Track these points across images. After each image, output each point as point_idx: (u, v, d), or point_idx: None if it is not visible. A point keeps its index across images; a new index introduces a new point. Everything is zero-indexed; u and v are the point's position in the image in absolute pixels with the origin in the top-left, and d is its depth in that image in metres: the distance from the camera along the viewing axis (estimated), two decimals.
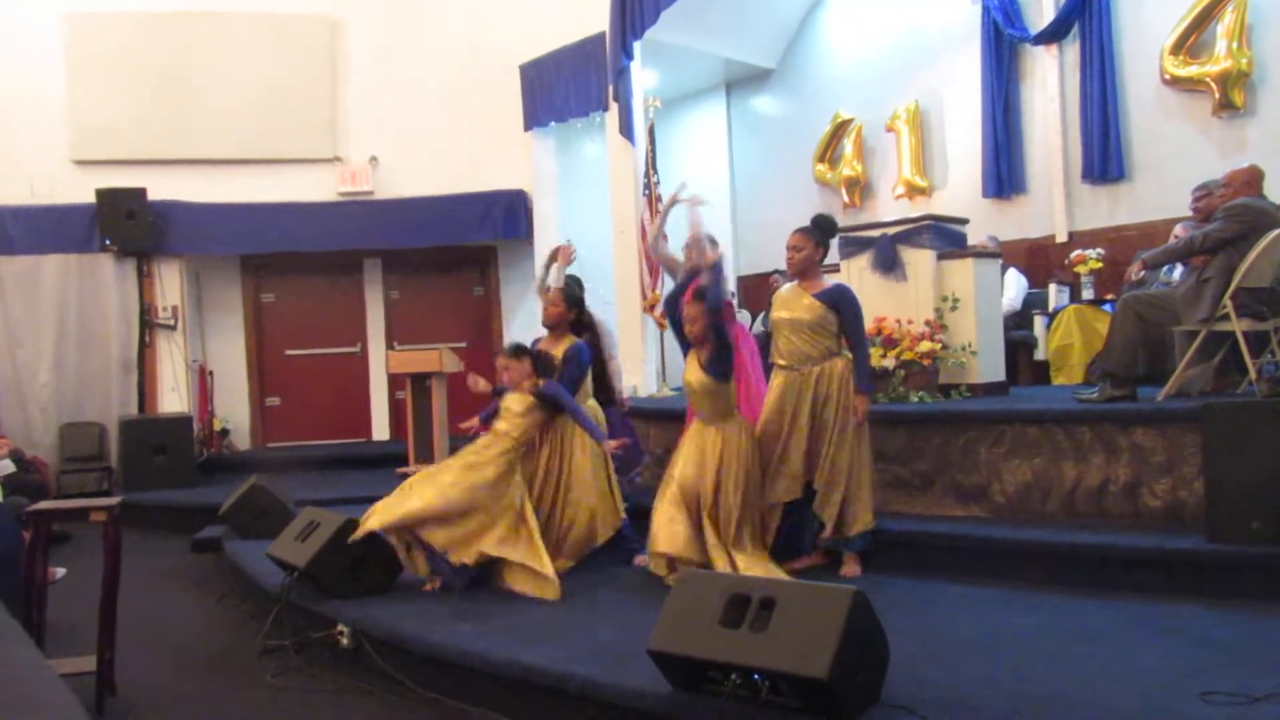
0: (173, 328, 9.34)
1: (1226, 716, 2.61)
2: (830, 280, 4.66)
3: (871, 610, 2.76)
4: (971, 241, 6.41)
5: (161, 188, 9.11)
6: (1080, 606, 3.76)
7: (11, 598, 3.65)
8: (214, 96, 9.35)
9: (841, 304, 4.48)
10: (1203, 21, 6.83)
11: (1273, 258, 4.60)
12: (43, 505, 3.98)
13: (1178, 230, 6.04)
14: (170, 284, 9.38)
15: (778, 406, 4.51)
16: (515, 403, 4.62)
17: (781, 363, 4.56)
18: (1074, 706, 2.75)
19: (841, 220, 8.48)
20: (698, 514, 4.38)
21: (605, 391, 5.54)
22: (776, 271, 8.68)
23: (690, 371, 4.48)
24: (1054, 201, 7.76)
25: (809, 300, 4.49)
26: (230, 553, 5.75)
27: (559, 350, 5.00)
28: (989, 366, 5.82)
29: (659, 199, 7.92)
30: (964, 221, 6.32)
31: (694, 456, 4.43)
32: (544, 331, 5.24)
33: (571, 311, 5.16)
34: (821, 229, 4.60)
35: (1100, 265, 7.11)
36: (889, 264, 5.91)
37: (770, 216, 9.85)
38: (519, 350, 4.76)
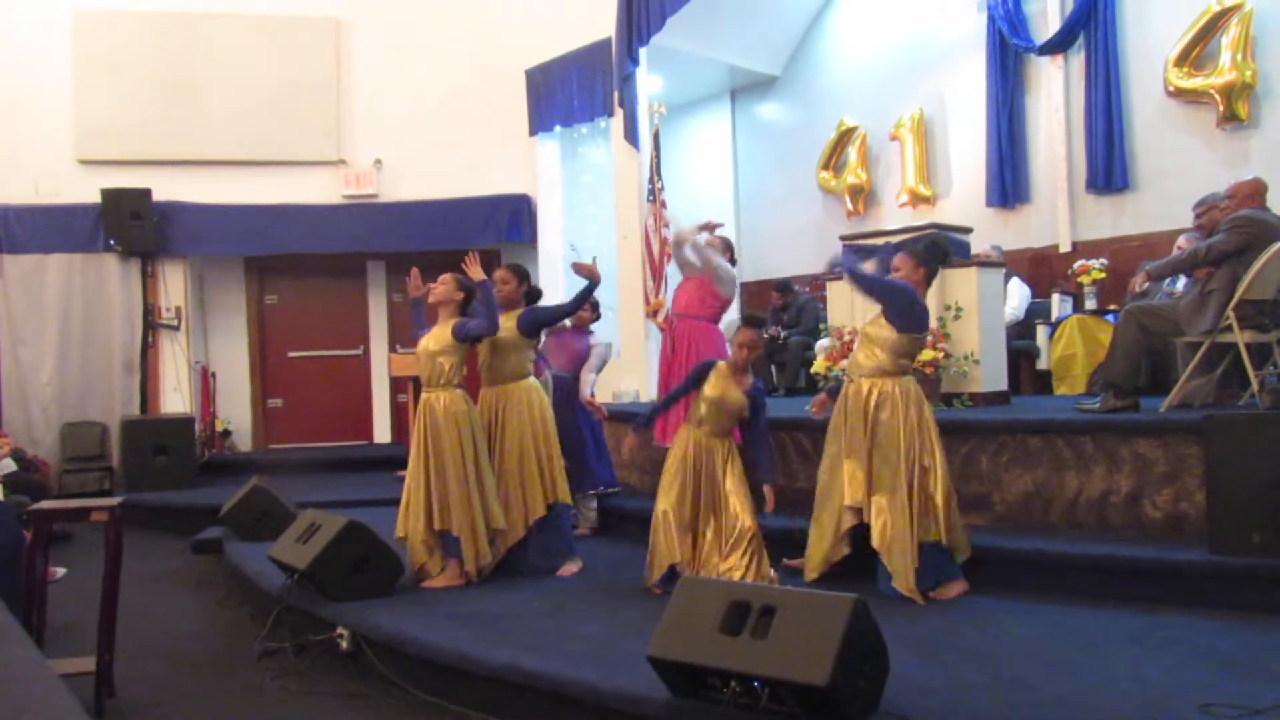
0: (176, 328, 9.35)
1: None
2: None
3: (872, 618, 2.75)
4: (975, 251, 6.41)
5: (166, 188, 9.14)
6: (1081, 617, 3.75)
7: (12, 597, 3.66)
8: (220, 98, 9.38)
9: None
10: (1207, 34, 6.84)
11: (1276, 270, 4.60)
12: (44, 505, 3.98)
13: (1181, 242, 6.04)
14: (174, 285, 9.40)
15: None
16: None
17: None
18: (1073, 716, 2.74)
19: (845, 228, 8.53)
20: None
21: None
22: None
23: (730, 391, 4.44)
24: (1058, 211, 7.76)
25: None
26: (231, 554, 5.75)
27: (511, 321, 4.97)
28: (991, 376, 5.82)
29: (663, 205, 7.93)
30: (968, 230, 6.33)
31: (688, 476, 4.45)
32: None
33: (523, 285, 5.15)
34: (931, 254, 4.41)
35: (1103, 275, 7.12)
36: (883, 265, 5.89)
37: (774, 223, 9.87)
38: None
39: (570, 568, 4.96)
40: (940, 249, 4.50)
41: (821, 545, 4.36)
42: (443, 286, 5.00)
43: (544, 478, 4.90)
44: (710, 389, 4.46)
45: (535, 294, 5.25)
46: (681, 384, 4.67)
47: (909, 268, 4.31)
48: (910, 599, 4.02)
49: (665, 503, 4.44)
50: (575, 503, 5.48)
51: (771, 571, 4.37)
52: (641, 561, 4.58)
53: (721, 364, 4.54)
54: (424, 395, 4.85)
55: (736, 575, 4.23)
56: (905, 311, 4.22)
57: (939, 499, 4.10)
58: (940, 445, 4.20)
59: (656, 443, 5.61)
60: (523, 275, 5.19)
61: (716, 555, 4.35)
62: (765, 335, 4.60)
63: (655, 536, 4.43)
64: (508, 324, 4.95)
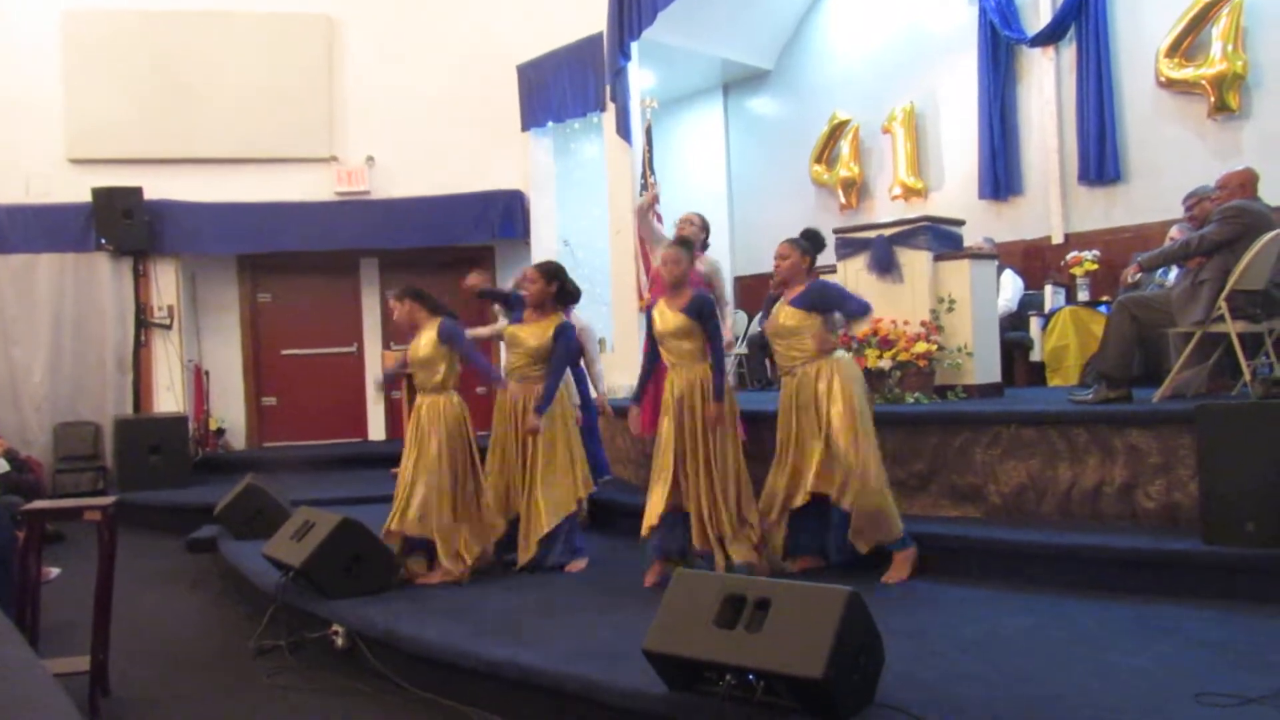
0: (168, 327, 9.33)
1: (1222, 718, 2.61)
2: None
3: (866, 611, 2.76)
4: (968, 243, 6.41)
5: (158, 187, 9.10)
6: (1075, 608, 3.76)
7: (5, 597, 3.65)
8: (211, 96, 9.34)
9: (817, 302, 4.46)
10: (1198, 24, 6.85)
11: (1268, 260, 4.61)
12: (37, 505, 3.98)
13: (1173, 232, 6.05)
14: (166, 283, 9.37)
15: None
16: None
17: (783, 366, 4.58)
18: (1069, 707, 2.75)
19: (838, 221, 8.52)
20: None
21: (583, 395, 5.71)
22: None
23: (668, 316, 4.45)
24: (1050, 203, 7.77)
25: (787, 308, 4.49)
26: (225, 553, 5.74)
27: (548, 329, 4.99)
28: (985, 368, 5.83)
29: (656, 200, 7.91)
30: (960, 223, 6.33)
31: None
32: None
33: (552, 285, 5.07)
34: (810, 240, 4.60)
35: (1096, 267, 7.13)
36: (885, 265, 5.92)
37: (767, 217, 9.86)
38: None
39: (579, 564, 4.98)
40: (814, 232, 4.66)
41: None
42: (534, 285, 5.02)
43: (575, 471, 5.02)
44: (656, 324, 4.53)
45: (569, 294, 5.20)
46: (645, 350, 4.74)
47: (796, 255, 4.51)
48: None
49: (663, 445, 4.45)
50: None
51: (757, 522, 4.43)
52: (634, 555, 4.59)
53: (660, 300, 4.60)
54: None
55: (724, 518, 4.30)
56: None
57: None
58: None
59: (640, 434, 5.63)
60: (552, 274, 5.08)
61: (702, 493, 4.36)
62: (685, 255, 4.55)
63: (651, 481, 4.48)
64: (546, 329, 4.98)
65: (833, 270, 6.41)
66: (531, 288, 4.99)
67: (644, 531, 4.43)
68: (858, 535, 4.28)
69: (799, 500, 4.39)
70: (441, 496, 4.69)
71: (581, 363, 6.04)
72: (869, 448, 4.29)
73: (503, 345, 5.23)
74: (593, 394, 6.07)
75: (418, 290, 4.96)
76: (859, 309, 4.49)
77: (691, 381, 4.41)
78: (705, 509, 4.33)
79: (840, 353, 4.48)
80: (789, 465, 4.45)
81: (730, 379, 4.62)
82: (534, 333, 4.96)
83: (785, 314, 4.46)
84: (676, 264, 4.50)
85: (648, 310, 4.70)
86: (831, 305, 4.47)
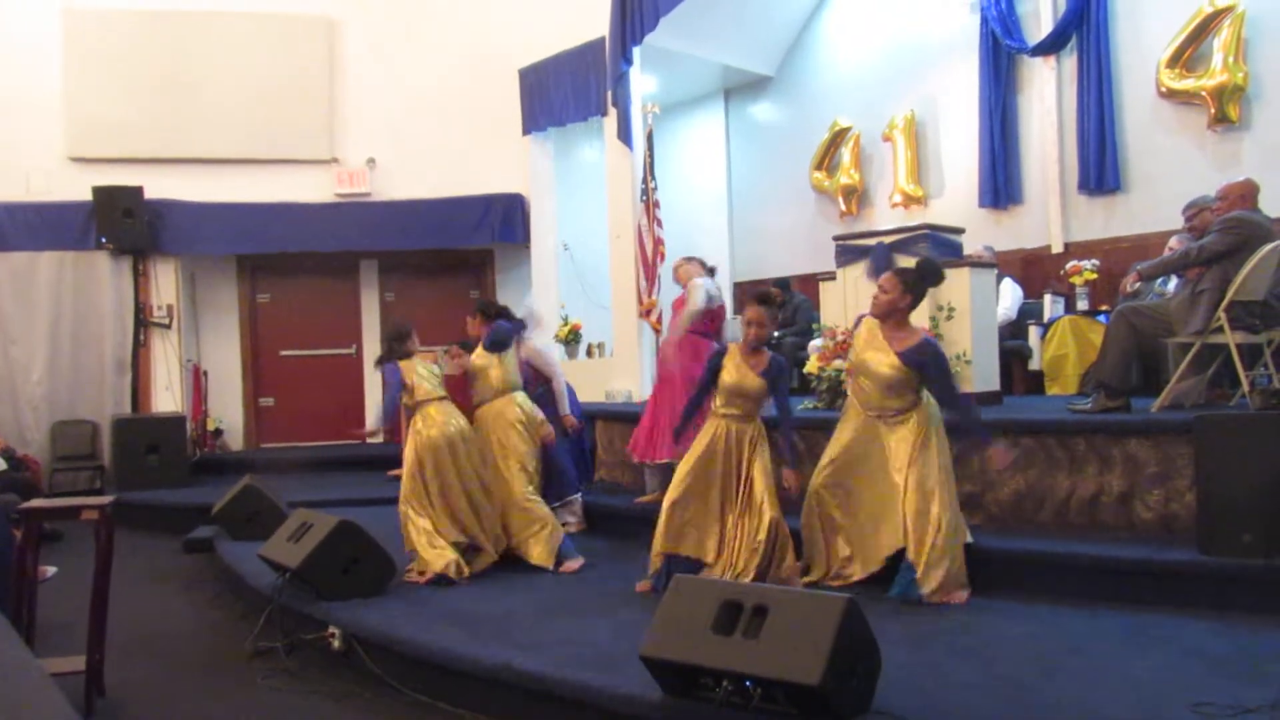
0: (167, 327, 9.32)
1: None
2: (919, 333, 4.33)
3: (864, 618, 2.76)
4: (967, 251, 6.42)
5: (158, 186, 9.10)
6: (1072, 617, 3.76)
7: (2, 596, 3.65)
8: (212, 96, 9.35)
9: (928, 366, 4.15)
10: (1199, 35, 6.86)
11: (1267, 271, 4.62)
12: (34, 503, 3.97)
13: (1173, 243, 6.06)
14: (165, 283, 9.37)
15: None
16: None
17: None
18: (1066, 716, 2.75)
19: (838, 228, 8.53)
20: None
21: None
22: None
23: (746, 376, 4.39)
24: (1050, 212, 7.78)
25: (890, 358, 4.19)
26: (222, 553, 5.74)
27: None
28: (984, 376, 5.83)
29: (656, 205, 7.92)
30: (960, 231, 6.34)
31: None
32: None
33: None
34: (923, 276, 4.29)
35: (1095, 276, 7.14)
36: (884, 273, 5.91)
37: (767, 223, 9.87)
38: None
39: (575, 564, 5.00)
40: (934, 269, 4.36)
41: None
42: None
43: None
44: (726, 376, 4.43)
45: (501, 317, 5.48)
46: (699, 384, 4.64)
47: (897, 292, 4.23)
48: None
49: (674, 494, 4.42)
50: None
51: (796, 561, 4.38)
52: (629, 557, 4.58)
53: (733, 347, 4.50)
54: None
55: (754, 565, 4.22)
56: None
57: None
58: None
59: (636, 459, 5.69)
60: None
61: (740, 541, 4.32)
62: (778, 311, 4.54)
63: (658, 527, 4.42)
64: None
65: (831, 277, 6.43)
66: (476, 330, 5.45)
67: (652, 569, 4.44)
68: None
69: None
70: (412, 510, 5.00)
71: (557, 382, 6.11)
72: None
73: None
74: (563, 409, 6.00)
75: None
76: (958, 400, 4.20)
77: (742, 434, 4.40)
78: (740, 562, 4.29)
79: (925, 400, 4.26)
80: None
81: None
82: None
83: (888, 365, 4.17)
84: (763, 326, 4.41)
85: (715, 362, 4.55)
86: (931, 377, 4.15)
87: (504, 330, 5.29)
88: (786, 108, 9.84)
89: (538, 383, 5.90)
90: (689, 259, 5.93)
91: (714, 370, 4.49)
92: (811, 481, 4.42)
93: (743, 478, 4.38)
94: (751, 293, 4.59)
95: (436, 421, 4.95)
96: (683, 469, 4.46)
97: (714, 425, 4.46)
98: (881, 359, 4.20)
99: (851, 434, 4.33)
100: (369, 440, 5.90)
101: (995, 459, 4.26)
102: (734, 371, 4.41)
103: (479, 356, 5.27)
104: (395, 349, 5.11)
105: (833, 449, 4.39)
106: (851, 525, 4.32)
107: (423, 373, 5.07)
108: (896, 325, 4.25)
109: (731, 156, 10.35)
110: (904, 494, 4.09)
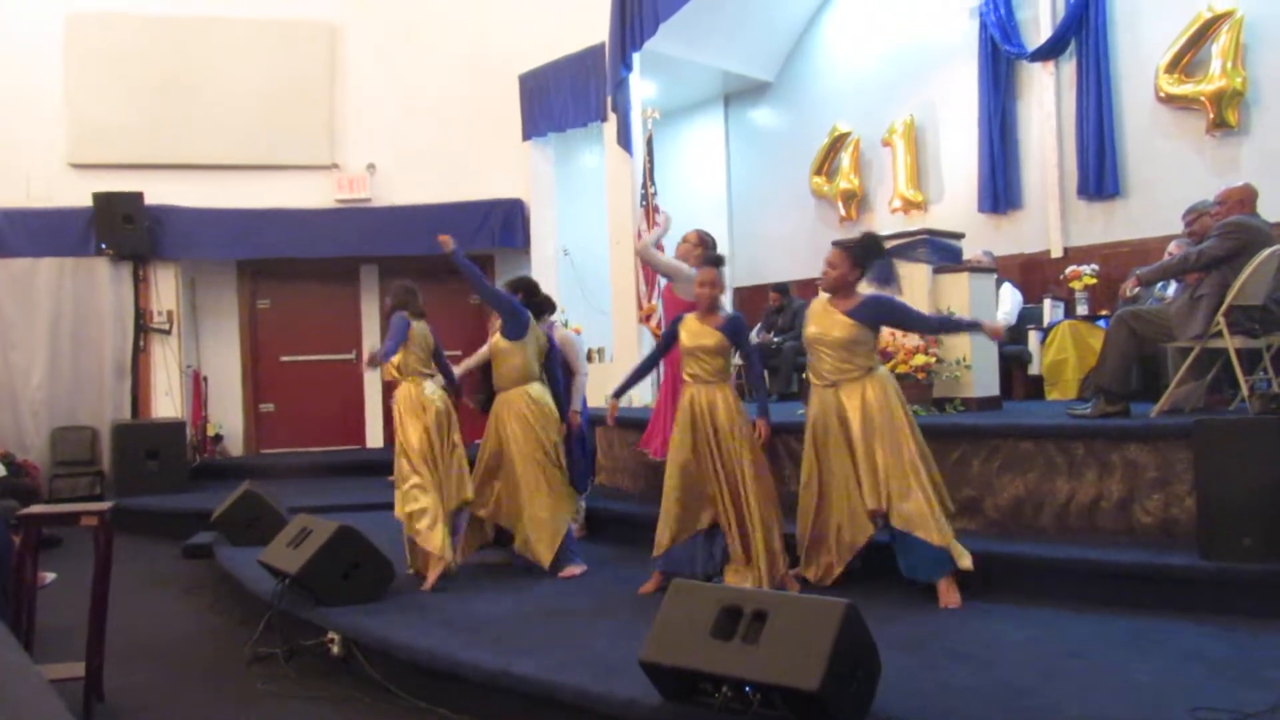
0: (167, 332, 9.33)
1: None
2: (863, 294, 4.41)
3: (863, 622, 2.75)
4: (967, 256, 6.43)
5: (158, 192, 9.12)
6: (1072, 621, 3.76)
7: (1, 602, 3.64)
8: (212, 101, 9.36)
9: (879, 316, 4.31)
10: (1198, 41, 6.88)
11: (1266, 276, 4.62)
12: (33, 509, 3.97)
13: (1172, 248, 6.06)
14: (165, 289, 9.38)
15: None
16: None
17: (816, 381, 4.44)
18: None
19: (838, 233, 8.54)
20: None
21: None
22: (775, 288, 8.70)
23: (703, 334, 4.45)
24: (1049, 217, 7.79)
25: (841, 318, 4.28)
26: (222, 559, 5.73)
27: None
28: (983, 381, 5.83)
29: (656, 210, 7.94)
30: (960, 236, 6.35)
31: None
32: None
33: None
34: (865, 248, 4.38)
35: (1095, 281, 7.15)
36: (885, 277, 5.88)
37: (767, 228, 9.89)
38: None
39: (575, 569, 4.99)
40: (874, 242, 4.47)
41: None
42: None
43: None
44: (684, 338, 4.51)
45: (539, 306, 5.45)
46: (657, 345, 4.74)
47: (845, 266, 4.34)
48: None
49: (675, 492, 4.44)
50: None
51: (790, 570, 4.39)
52: (631, 564, 4.58)
53: (688, 314, 4.58)
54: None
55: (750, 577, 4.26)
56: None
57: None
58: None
59: (654, 456, 5.64)
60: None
61: (734, 546, 4.37)
62: (722, 276, 4.62)
63: (662, 519, 4.46)
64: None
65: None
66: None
67: (656, 552, 4.46)
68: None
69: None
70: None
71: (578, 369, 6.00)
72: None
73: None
74: (575, 405, 5.90)
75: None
76: (928, 319, 4.50)
77: (713, 399, 4.42)
78: (734, 527, 4.34)
79: (881, 368, 4.39)
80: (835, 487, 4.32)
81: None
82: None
83: (839, 325, 4.26)
84: (714, 285, 4.51)
85: (671, 328, 4.64)
86: (894, 320, 4.37)
87: (518, 318, 5.17)
88: (786, 113, 9.86)
89: (567, 374, 5.81)
90: (699, 242, 5.58)
91: (672, 335, 4.61)
92: (800, 499, 4.43)
93: (724, 448, 4.36)
94: (706, 256, 4.71)
95: (433, 396, 5.02)
96: (672, 462, 4.50)
97: (685, 396, 4.51)
98: (834, 321, 4.29)
99: (815, 410, 4.36)
100: (365, 369, 5.86)
101: (989, 331, 4.52)
102: (691, 331, 4.51)
103: (499, 340, 5.15)
104: (410, 302, 5.15)
105: (806, 463, 4.42)
106: (837, 504, 4.33)
107: (421, 342, 5.11)
108: (844, 298, 4.35)
109: (731, 162, 10.37)
110: (873, 451, 4.15)
